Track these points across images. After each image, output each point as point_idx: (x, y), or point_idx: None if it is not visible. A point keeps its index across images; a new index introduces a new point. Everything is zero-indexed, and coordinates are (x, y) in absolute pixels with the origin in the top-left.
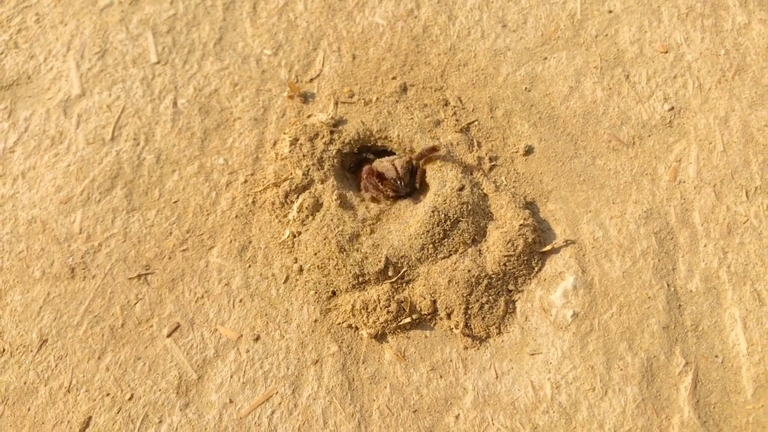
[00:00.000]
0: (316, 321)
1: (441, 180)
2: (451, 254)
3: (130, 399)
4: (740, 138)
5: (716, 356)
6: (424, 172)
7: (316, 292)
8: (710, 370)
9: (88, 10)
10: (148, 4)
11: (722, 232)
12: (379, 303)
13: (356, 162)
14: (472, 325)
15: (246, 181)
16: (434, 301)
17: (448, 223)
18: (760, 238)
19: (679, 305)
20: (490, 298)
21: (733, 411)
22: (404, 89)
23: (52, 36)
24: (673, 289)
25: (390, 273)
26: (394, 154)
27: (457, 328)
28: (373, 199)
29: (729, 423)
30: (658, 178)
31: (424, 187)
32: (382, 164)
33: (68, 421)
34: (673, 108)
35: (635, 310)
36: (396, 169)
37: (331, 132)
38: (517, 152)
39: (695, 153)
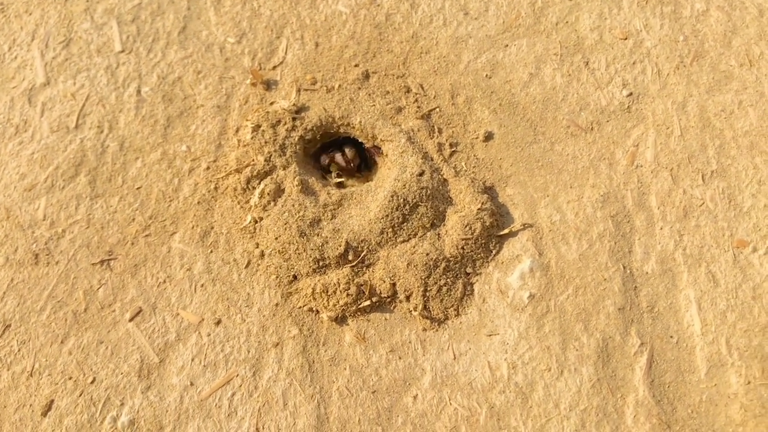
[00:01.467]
0: (277, 305)
1: (401, 165)
2: (410, 238)
3: (92, 382)
4: (697, 123)
5: (671, 337)
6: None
7: (277, 277)
8: (665, 351)
9: None
10: None
11: (678, 215)
12: (339, 286)
13: (319, 149)
14: (430, 308)
15: (208, 168)
16: (393, 284)
17: (408, 207)
18: (715, 221)
19: (635, 287)
20: (448, 280)
21: (687, 390)
22: (366, 76)
23: (17, 25)
24: (629, 271)
25: (350, 257)
26: (357, 141)
27: (416, 311)
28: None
29: (683, 401)
30: (615, 163)
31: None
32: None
33: (30, 405)
34: (631, 94)
35: (591, 291)
36: (347, 156)
37: (294, 119)
38: (477, 138)
39: (653, 138)
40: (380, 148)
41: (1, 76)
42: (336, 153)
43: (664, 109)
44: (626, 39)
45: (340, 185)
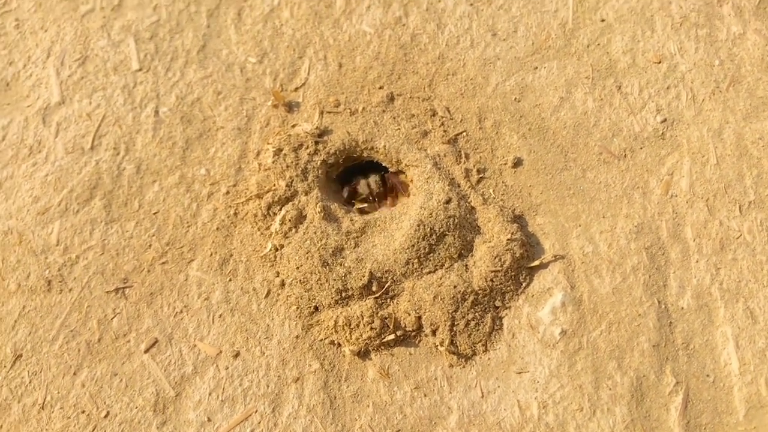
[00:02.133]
0: (297, 337)
1: (428, 192)
2: (436, 269)
3: (105, 416)
4: (734, 151)
5: (707, 376)
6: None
7: (297, 308)
8: (701, 390)
9: (69, 15)
10: (130, 10)
11: (715, 248)
12: (363, 319)
13: (343, 173)
14: (457, 343)
15: (228, 192)
16: (419, 318)
17: (434, 237)
18: (753, 255)
19: (670, 323)
20: (477, 314)
21: None
22: (391, 99)
23: (32, 42)
24: (663, 306)
25: (374, 288)
26: (381, 165)
27: (442, 346)
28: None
29: None
30: (649, 192)
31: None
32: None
33: None
34: (665, 120)
35: (625, 327)
36: (369, 185)
37: (316, 142)
38: (505, 164)
39: (688, 166)
40: (406, 185)
41: (16, 94)
42: (358, 182)
43: (700, 136)
44: (660, 63)
45: (362, 211)
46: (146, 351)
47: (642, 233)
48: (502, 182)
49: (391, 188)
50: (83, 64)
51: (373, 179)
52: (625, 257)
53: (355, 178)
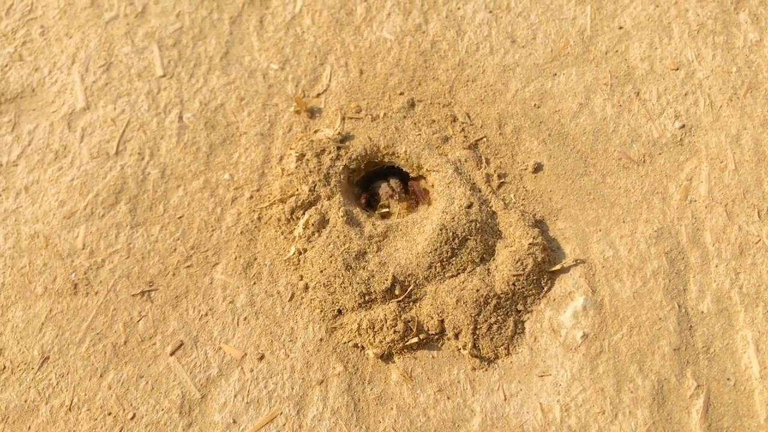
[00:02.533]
0: (321, 340)
1: (449, 197)
2: (459, 273)
3: (132, 418)
4: (752, 157)
5: (728, 379)
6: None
7: (321, 311)
8: (722, 394)
9: (94, 22)
10: (154, 17)
11: (734, 253)
12: (386, 322)
13: (364, 178)
14: (480, 346)
15: (251, 197)
16: (442, 321)
17: (456, 241)
18: None
19: (690, 327)
20: (499, 318)
21: None
22: (412, 105)
23: (57, 49)
24: (684, 310)
25: (397, 292)
26: (402, 171)
27: (465, 349)
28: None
29: None
30: (668, 197)
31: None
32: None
33: None
34: (684, 126)
35: (646, 331)
36: (392, 188)
37: (338, 148)
38: (526, 169)
39: (706, 172)
40: (427, 192)
41: (41, 100)
42: (378, 186)
43: (718, 141)
44: (677, 69)
45: (385, 215)
46: (172, 353)
47: (662, 238)
48: (523, 187)
49: (411, 193)
50: (108, 70)
51: (394, 180)
52: (645, 262)
53: (373, 184)
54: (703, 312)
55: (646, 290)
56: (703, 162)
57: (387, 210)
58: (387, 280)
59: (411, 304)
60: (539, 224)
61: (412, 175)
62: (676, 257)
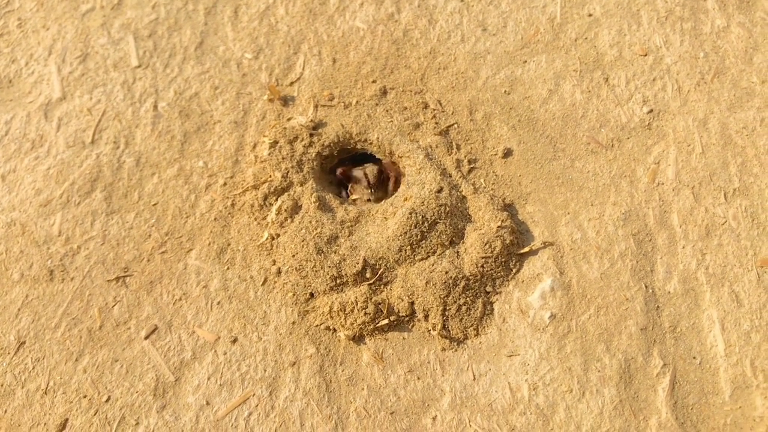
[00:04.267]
0: (293, 323)
1: (420, 182)
2: (428, 256)
3: (107, 401)
4: (719, 140)
5: (694, 358)
6: (396, 178)
7: (294, 294)
8: (688, 372)
9: (70, 14)
10: (129, 8)
11: (700, 234)
12: (357, 305)
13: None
14: (449, 327)
15: (225, 184)
16: (412, 303)
17: (426, 224)
18: (738, 240)
19: (657, 307)
20: (468, 299)
21: (711, 412)
22: (384, 92)
23: (34, 40)
24: (651, 290)
25: (368, 275)
26: (375, 158)
27: (434, 330)
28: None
29: (707, 424)
30: (636, 180)
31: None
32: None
33: (45, 423)
34: (651, 110)
35: (613, 311)
36: (367, 177)
37: (311, 135)
38: (496, 155)
39: (674, 155)
40: (398, 180)
41: (18, 90)
42: (354, 170)
43: (685, 126)
44: (646, 55)
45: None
46: (146, 337)
47: (629, 220)
48: (493, 172)
49: (387, 178)
50: (84, 61)
51: (370, 169)
52: (613, 243)
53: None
54: (669, 292)
55: (613, 271)
56: (671, 146)
57: (357, 198)
58: (358, 263)
59: (382, 286)
60: (508, 208)
61: (384, 161)
62: (643, 239)
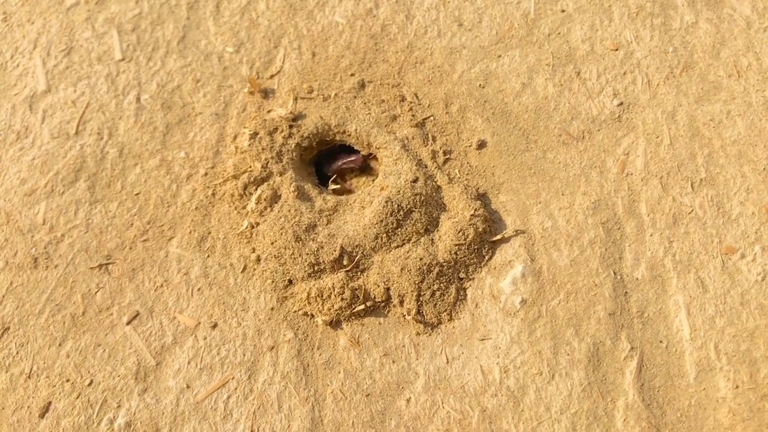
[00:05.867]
0: (272, 309)
1: (396, 172)
2: (404, 243)
3: (89, 385)
4: (687, 132)
5: (661, 341)
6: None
7: (272, 281)
8: (655, 355)
9: (55, 9)
10: (113, 3)
11: (668, 222)
12: (334, 291)
13: (316, 156)
14: (424, 312)
15: (206, 174)
16: (387, 289)
17: (402, 213)
18: (704, 228)
19: (626, 292)
20: (442, 285)
21: (676, 394)
22: (362, 85)
23: (19, 34)
24: (619, 276)
25: (345, 262)
26: (353, 149)
27: (409, 315)
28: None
29: (672, 405)
30: (606, 171)
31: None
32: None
33: (28, 407)
34: (622, 103)
35: (582, 297)
36: (359, 158)
37: (290, 126)
38: (470, 146)
39: (643, 146)
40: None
41: (3, 83)
42: (345, 158)
43: (654, 118)
44: (617, 50)
45: (337, 192)
46: (128, 323)
47: (599, 209)
48: (467, 163)
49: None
50: (68, 54)
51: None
52: (583, 232)
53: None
54: (637, 279)
55: (583, 258)
56: (640, 137)
57: (338, 186)
58: (335, 251)
59: (358, 273)
60: (482, 197)
61: (362, 153)
62: (612, 227)
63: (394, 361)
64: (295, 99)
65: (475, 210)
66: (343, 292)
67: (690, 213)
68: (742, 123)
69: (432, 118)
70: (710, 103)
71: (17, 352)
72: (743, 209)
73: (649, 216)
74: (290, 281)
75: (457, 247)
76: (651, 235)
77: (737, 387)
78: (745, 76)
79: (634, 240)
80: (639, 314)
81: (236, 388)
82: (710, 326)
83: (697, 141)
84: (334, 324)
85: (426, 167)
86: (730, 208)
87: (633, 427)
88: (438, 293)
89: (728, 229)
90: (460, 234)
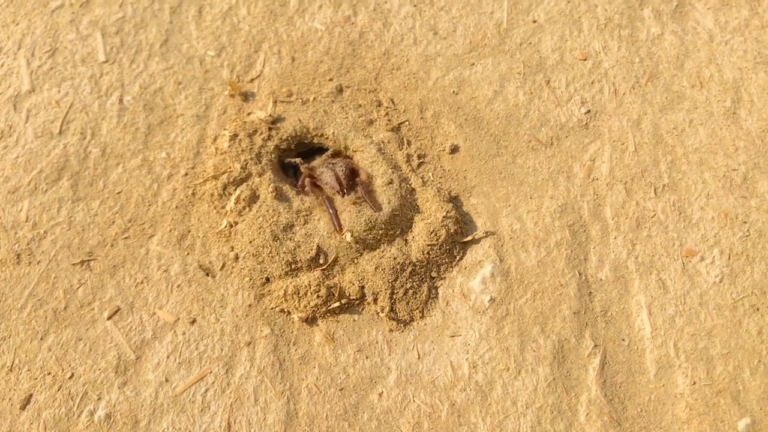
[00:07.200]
0: (250, 306)
1: (372, 175)
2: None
3: (70, 378)
4: (651, 139)
5: (623, 340)
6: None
7: (250, 279)
8: (617, 353)
9: (40, 10)
10: (98, 6)
11: (631, 226)
12: (310, 288)
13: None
14: (397, 309)
15: (187, 174)
16: (362, 287)
17: None
18: (666, 232)
19: (590, 292)
20: (414, 284)
21: (637, 390)
22: (340, 90)
23: (4, 35)
24: (584, 277)
25: (321, 260)
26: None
27: (383, 312)
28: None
29: (633, 400)
30: (573, 176)
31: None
32: (322, 174)
33: (9, 399)
34: (589, 111)
35: (548, 296)
36: (338, 178)
37: (270, 129)
38: (443, 150)
39: (609, 153)
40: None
41: None
42: (322, 174)
43: (620, 126)
44: (585, 60)
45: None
46: (109, 318)
47: (565, 212)
48: (440, 167)
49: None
50: (53, 55)
51: (340, 168)
52: (550, 234)
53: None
54: (601, 279)
55: (549, 259)
56: (606, 144)
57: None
58: (312, 250)
59: (334, 271)
60: (454, 200)
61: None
62: (578, 230)
63: (367, 357)
64: (275, 102)
65: (447, 212)
66: (319, 290)
67: (653, 217)
68: (704, 131)
69: (407, 122)
70: (674, 112)
71: None
72: (703, 214)
73: (614, 219)
74: (268, 279)
75: (429, 248)
76: (615, 237)
77: (694, 383)
78: (707, 87)
79: (599, 242)
80: (602, 313)
81: (214, 382)
82: (670, 325)
83: (661, 148)
84: (310, 321)
85: (401, 170)
86: (691, 212)
87: (595, 421)
88: (411, 291)
89: (689, 232)
90: (433, 235)
